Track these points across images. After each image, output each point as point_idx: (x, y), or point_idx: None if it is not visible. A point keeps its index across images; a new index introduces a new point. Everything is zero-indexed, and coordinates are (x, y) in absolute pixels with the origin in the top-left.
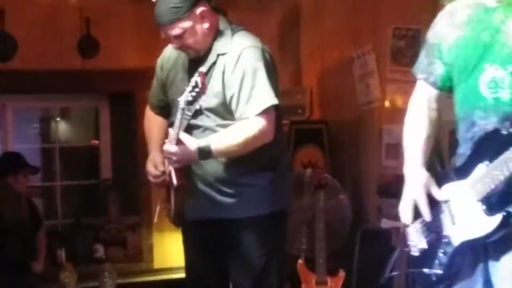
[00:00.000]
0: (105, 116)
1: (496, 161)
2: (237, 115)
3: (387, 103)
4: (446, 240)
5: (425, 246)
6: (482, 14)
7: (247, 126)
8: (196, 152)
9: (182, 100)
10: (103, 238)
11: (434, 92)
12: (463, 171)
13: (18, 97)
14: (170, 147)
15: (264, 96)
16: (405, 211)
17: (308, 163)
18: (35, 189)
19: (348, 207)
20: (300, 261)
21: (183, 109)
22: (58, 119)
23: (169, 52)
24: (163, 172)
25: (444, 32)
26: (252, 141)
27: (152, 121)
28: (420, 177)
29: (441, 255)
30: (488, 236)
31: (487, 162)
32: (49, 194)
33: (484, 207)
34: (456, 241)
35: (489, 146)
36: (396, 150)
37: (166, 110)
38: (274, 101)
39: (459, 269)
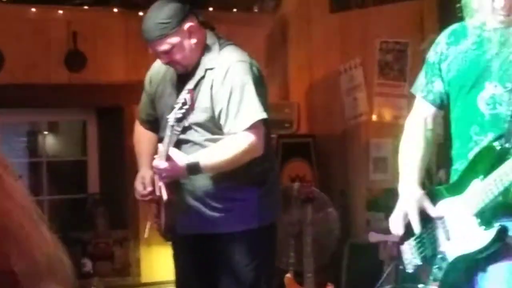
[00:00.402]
0: (92, 130)
1: (490, 176)
2: (225, 130)
3: (374, 117)
4: (441, 255)
5: (420, 262)
6: (483, 34)
7: (236, 141)
8: (185, 168)
9: (171, 118)
10: (90, 252)
11: (432, 110)
12: (457, 187)
13: (5, 110)
14: (160, 163)
15: (252, 110)
16: (395, 223)
17: (296, 176)
18: None
19: (336, 220)
20: (288, 275)
21: (172, 126)
22: (46, 133)
23: (158, 67)
24: (151, 192)
25: (445, 51)
26: (241, 156)
27: (142, 136)
28: (413, 192)
29: (436, 270)
30: (483, 249)
31: (481, 177)
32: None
33: (479, 220)
34: (451, 256)
35: (483, 161)
36: (383, 164)
37: (155, 125)
38: (263, 115)
39: (454, 285)
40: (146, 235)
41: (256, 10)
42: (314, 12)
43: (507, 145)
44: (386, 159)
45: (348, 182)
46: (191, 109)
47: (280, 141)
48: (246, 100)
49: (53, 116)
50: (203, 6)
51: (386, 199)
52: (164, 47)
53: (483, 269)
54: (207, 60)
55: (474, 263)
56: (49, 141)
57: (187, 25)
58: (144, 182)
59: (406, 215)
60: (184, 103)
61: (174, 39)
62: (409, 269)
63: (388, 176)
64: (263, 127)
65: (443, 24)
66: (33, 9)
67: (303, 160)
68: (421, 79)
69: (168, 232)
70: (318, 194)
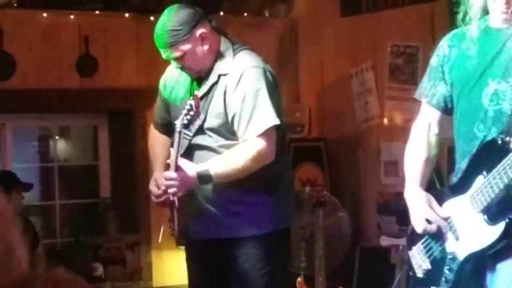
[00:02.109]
0: (104, 134)
1: (494, 170)
2: (238, 135)
3: (385, 121)
4: (451, 256)
5: (429, 266)
6: (486, 34)
7: (247, 148)
8: (195, 177)
9: (178, 123)
10: (102, 256)
11: (436, 115)
12: (461, 186)
13: (17, 116)
14: (170, 173)
15: (265, 117)
16: (418, 223)
17: (307, 180)
18: (33, 208)
19: (347, 224)
20: (299, 279)
21: (179, 132)
22: (57, 137)
23: (172, 71)
24: (165, 191)
25: (447, 53)
26: (252, 164)
27: (156, 140)
28: (419, 196)
29: (447, 272)
30: (492, 245)
31: (484, 173)
32: (48, 213)
33: (486, 217)
34: (461, 255)
35: (485, 157)
36: (395, 168)
37: (169, 129)
38: (275, 121)
39: (465, 285)
40: (160, 240)
41: (267, 14)
42: (325, 15)
43: (507, 139)
44: (397, 163)
45: (359, 186)
46: (196, 115)
47: (291, 145)
48: (259, 107)
49: (65, 121)
50: (214, 10)
51: (397, 203)
52: (176, 54)
53: (492, 268)
54: (221, 66)
55: (484, 262)
56: (61, 146)
57: (199, 32)
58: (158, 183)
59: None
60: (190, 109)
61: (186, 46)
62: (419, 274)
63: (399, 180)
64: (276, 133)
65: (454, 27)
66: (44, 14)
67: (314, 164)
68: (424, 84)
69: (182, 237)
70: (329, 198)
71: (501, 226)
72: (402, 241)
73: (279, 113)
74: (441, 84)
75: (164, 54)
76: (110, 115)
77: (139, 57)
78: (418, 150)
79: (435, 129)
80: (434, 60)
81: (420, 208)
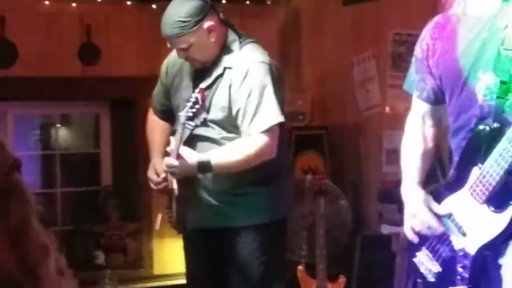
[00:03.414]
0: (105, 122)
1: (489, 158)
2: (242, 129)
3: (387, 109)
4: (462, 253)
5: (439, 268)
6: (470, 25)
7: (250, 143)
8: (196, 166)
9: (182, 115)
10: (103, 244)
11: (428, 108)
12: (457, 181)
13: (18, 104)
14: (171, 160)
15: (270, 113)
16: (409, 232)
17: (308, 169)
18: (35, 196)
19: (349, 212)
20: (300, 267)
21: (183, 124)
22: (59, 125)
23: (175, 57)
24: (165, 179)
25: (431, 46)
26: (253, 159)
27: (155, 126)
28: (416, 194)
29: (460, 270)
30: (503, 233)
31: (479, 165)
32: (49, 201)
33: (491, 207)
34: (472, 249)
35: (476, 148)
36: (396, 156)
37: (169, 115)
38: (280, 118)
39: (481, 279)
40: (157, 227)
41: (269, 2)
42: (327, 4)
43: (495, 125)
44: (399, 151)
45: (360, 174)
46: (202, 108)
47: (292, 133)
48: (264, 103)
49: (66, 109)
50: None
51: (399, 191)
52: (183, 45)
53: (503, 255)
54: (227, 59)
55: (495, 253)
56: (62, 134)
57: (206, 24)
58: (157, 171)
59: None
60: (196, 102)
61: (193, 38)
62: (431, 278)
63: (401, 168)
64: (279, 129)
65: None
66: (46, 2)
67: (316, 152)
68: (412, 76)
69: (179, 225)
70: (331, 186)
71: (509, 212)
72: (402, 229)
73: (282, 109)
74: (429, 78)
75: (170, 44)
76: (112, 103)
77: (141, 45)
78: (413, 145)
79: (429, 121)
80: (418, 53)
81: (415, 208)
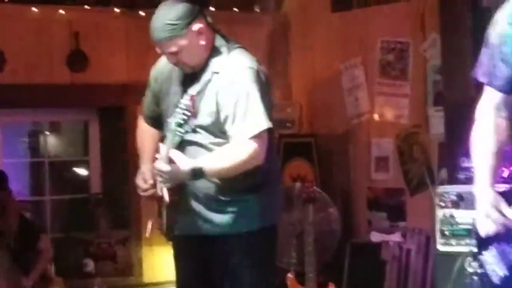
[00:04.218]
0: (95, 130)
1: None
2: (230, 135)
3: (376, 116)
4: None
5: (506, 272)
6: None
7: (239, 149)
8: (189, 172)
9: (172, 122)
10: (92, 252)
11: (501, 97)
12: None
13: (7, 111)
14: (162, 165)
15: (258, 120)
16: (484, 225)
17: (297, 176)
18: (24, 203)
19: (338, 220)
20: (289, 275)
21: (173, 130)
22: (47, 133)
23: (164, 63)
24: (153, 185)
25: (506, 31)
26: (242, 165)
27: (145, 133)
28: (487, 196)
29: None
30: None
31: None
32: (39, 209)
33: None
34: None
35: None
36: (385, 163)
37: (158, 121)
38: (268, 124)
39: None
40: (147, 234)
41: (257, 10)
42: (315, 11)
43: None
44: (388, 158)
45: (349, 182)
46: (192, 115)
47: (281, 141)
48: (252, 109)
49: (55, 116)
50: (203, 5)
51: (388, 199)
52: (172, 48)
53: None
54: (215, 63)
55: None
56: (51, 141)
57: (196, 27)
58: (145, 177)
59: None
60: (186, 109)
61: (183, 41)
62: (496, 280)
63: (390, 176)
64: (267, 135)
65: (444, 23)
66: (35, 9)
67: (304, 159)
68: (483, 60)
69: (169, 233)
70: (320, 194)
71: None
72: (392, 237)
73: (270, 115)
74: (502, 65)
75: (159, 49)
76: (100, 111)
77: (130, 52)
78: (485, 138)
79: (503, 112)
80: (492, 37)
81: (485, 210)
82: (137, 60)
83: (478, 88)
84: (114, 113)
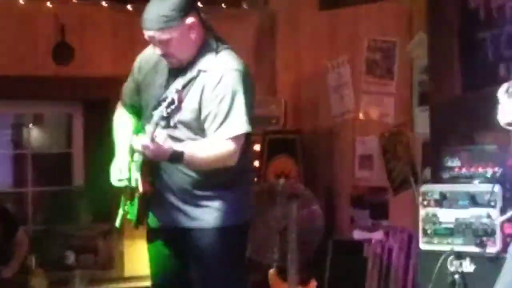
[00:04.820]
0: (78, 123)
1: None
2: (208, 133)
3: (361, 115)
4: None
5: None
6: None
7: (216, 146)
8: (169, 152)
9: (156, 115)
10: (74, 245)
11: None
12: None
13: None
14: (146, 140)
15: (239, 122)
16: None
17: (281, 173)
18: (6, 195)
19: (321, 217)
20: (271, 270)
21: (156, 123)
22: (31, 125)
23: (149, 54)
24: (127, 179)
25: None
26: (216, 161)
27: (122, 120)
28: None
29: None
30: None
31: None
32: (20, 200)
33: None
34: None
35: None
36: (369, 162)
37: (137, 110)
38: (247, 128)
39: None
40: (117, 224)
41: (245, 6)
42: (303, 9)
43: None
44: (372, 157)
45: (333, 179)
46: (177, 109)
47: (266, 137)
48: (234, 111)
49: (39, 108)
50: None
51: (371, 197)
52: (164, 37)
53: None
54: (203, 61)
55: None
56: (34, 133)
57: (189, 20)
58: (121, 168)
59: None
60: (171, 103)
61: (175, 33)
62: None
63: (373, 174)
64: (244, 138)
65: (432, 23)
66: (21, 1)
67: (289, 156)
68: None
69: (141, 223)
70: (303, 190)
71: None
72: (375, 235)
73: (251, 118)
74: None
75: (149, 39)
76: (85, 104)
77: (116, 46)
78: None
79: None
80: None
81: None
82: (123, 54)
83: (464, 88)
84: (98, 106)
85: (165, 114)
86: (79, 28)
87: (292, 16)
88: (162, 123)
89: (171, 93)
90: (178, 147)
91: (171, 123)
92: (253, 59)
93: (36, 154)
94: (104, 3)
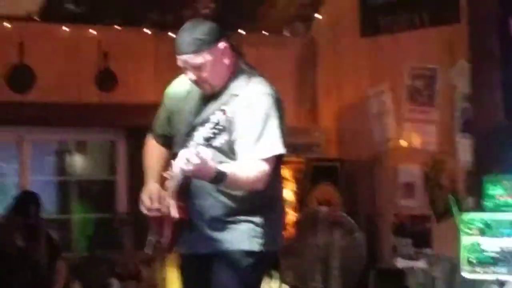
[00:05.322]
0: (122, 150)
1: None
2: (239, 153)
3: (403, 142)
4: None
5: None
6: None
7: (252, 167)
8: (214, 170)
9: (199, 136)
10: (118, 271)
11: None
12: None
13: (35, 129)
14: (191, 154)
15: (273, 143)
16: None
17: (324, 200)
18: (50, 221)
19: (363, 245)
20: None
21: (198, 144)
22: (75, 152)
23: (179, 84)
24: (158, 209)
25: None
26: (252, 183)
27: (153, 150)
28: None
29: None
30: None
31: None
32: (65, 227)
33: None
34: None
35: None
36: (411, 190)
37: (168, 140)
38: (281, 150)
39: None
40: (150, 252)
41: (286, 33)
42: (344, 35)
43: None
44: (414, 185)
45: (375, 207)
46: (223, 130)
47: (309, 165)
48: (268, 131)
49: (83, 135)
50: (234, 28)
51: (413, 225)
52: (197, 62)
53: None
54: (235, 86)
55: None
56: (78, 160)
57: (221, 45)
58: (152, 197)
59: None
60: (217, 123)
61: (208, 56)
62: None
63: (416, 202)
64: (275, 162)
65: (474, 51)
66: (66, 28)
67: (331, 184)
68: None
69: (171, 250)
70: (345, 218)
71: None
72: (418, 264)
73: (284, 142)
74: None
75: (182, 64)
76: (128, 130)
77: (158, 73)
78: None
79: None
80: None
81: None
82: (166, 81)
83: (506, 116)
84: (142, 133)
85: (210, 135)
86: (122, 55)
87: (333, 43)
88: (206, 143)
89: (217, 114)
90: (221, 166)
91: (218, 144)
92: (294, 86)
93: (80, 180)
94: (147, 31)
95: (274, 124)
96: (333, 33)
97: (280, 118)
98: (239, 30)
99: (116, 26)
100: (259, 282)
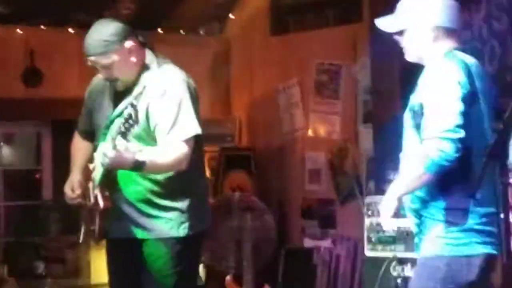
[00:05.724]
0: (47, 141)
1: None
2: (159, 139)
3: (310, 132)
4: None
5: None
6: None
7: (172, 150)
8: (132, 160)
9: (114, 131)
10: (43, 255)
11: None
12: None
13: None
14: (108, 149)
15: (190, 124)
16: None
17: (237, 187)
18: None
19: (273, 227)
20: (228, 277)
21: (113, 139)
22: (2, 143)
23: (97, 81)
24: (79, 195)
25: None
26: (171, 166)
27: (78, 145)
28: None
29: None
30: None
31: None
32: None
33: None
34: None
35: None
36: (318, 176)
37: (92, 135)
38: (198, 130)
39: None
40: (81, 240)
41: (202, 33)
42: (256, 34)
43: None
44: (320, 171)
45: (285, 192)
46: (136, 122)
47: (222, 154)
48: (183, 114)
49: (10, 128)
50: (151, 27)
51: (319, 208)
52: (105, 62)
53: None
54: (146, 77)
55: None
56: (5, 151)
57: (128, 44)
58: (73, 186)
59: None
60: (129, 118)
61: (116, 56)
62: None
63: (322, 187)
64: (194, 143)
65: (375, 47)
66: None
67: (243, 171)
68: None
69: (101, 238)
70: (257, 203)
71: None
72: (323, 243)
73: (199, 123)
74: None
75: (92, 64)
76: (53, 123)
77: (81, 69)
78: None
79: None
80: None
81: None
82: (90, 76)
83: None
84: (66, 126)
85: (123, 130)
86: (47, 53)
87: (246, 41)
88: (119, 137)
89: (128, 109)
90: (140, 155)
91: (130, 137)
92: (210, 81)
93: (7, 170)
94: (71, 30)
95: (188, 107)
96: (246, 32)
97: (193, 99)
98: (158, 30)
99: (42, 26)
100: (195, 262)
